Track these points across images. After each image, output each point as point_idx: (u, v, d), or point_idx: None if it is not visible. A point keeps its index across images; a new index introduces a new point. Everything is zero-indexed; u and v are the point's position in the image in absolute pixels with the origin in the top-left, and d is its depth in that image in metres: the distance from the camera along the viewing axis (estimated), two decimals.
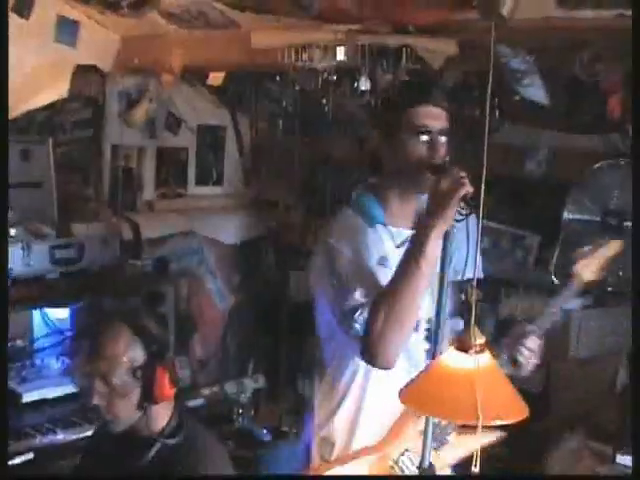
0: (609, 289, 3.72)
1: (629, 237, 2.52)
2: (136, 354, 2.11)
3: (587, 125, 3.67)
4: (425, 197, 2.20)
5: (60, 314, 3.68)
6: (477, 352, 1.74)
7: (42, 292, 3.56)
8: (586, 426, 3.64)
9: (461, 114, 3.66)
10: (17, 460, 2.94)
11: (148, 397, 2.11)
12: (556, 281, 3.80)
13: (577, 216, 3.67)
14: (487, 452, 3.01)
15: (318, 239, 2.48)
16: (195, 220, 4.54)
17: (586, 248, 2.77)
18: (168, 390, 2.13)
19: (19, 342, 3.54)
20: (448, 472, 2.53)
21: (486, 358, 1.77)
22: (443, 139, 2.30)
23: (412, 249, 2.17)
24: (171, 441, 2.15)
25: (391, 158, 2.37)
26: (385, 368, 2.26)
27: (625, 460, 3.29)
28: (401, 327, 2.18)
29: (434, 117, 2.30)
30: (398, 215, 2.39)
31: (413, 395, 1.85)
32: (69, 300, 3.64)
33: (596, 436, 3.55)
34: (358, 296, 2.25)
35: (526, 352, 2.46)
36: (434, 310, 2.23)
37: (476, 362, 1.72)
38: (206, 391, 3.88)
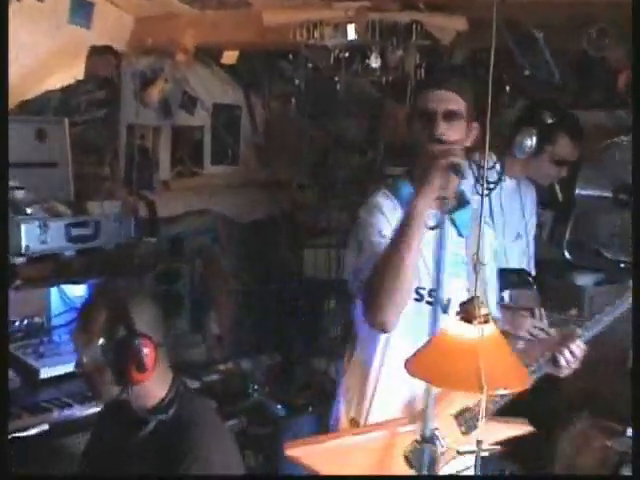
0: (622, 265, 3.72)
1: None
2: (109, 335, 2.14)
3: (596, 101, 3.67)
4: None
5: (77, 291, 3.72)
6: (481, 322, 1.77)
7: (59, 269, 3.61)
8: (596, 404, 3.65)
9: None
10: (32, 431, 2.99)
11: (122, 377, 2.14)
12: (568, 256, 3.82)
13: (589, 192, 3.67)
14: None
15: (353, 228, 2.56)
16: (210, 199, 4.57)
17: None
18: (134, 374, 2.13)
19: (36, 319, 3.58)
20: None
21: (490, 328, 1.79)
22: (451, 120, 2.38)
23: (403, 218, 2.27)
24: (165, 416, 2.19)
25: (410, 142, 2.49)
26: (382, 330, 2.36)
27: None
28: (394, 291, 2.25)
29: (440, 100, 2.39)
30: None
31: (418, 365, 1.88)
32: (85, 277, 3.69)
33: (606, 414, 3.56)
34: (367, 260, 2.35)
35: (569, 356, 2.50)
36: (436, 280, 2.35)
37: (480, 332, 1.75)
38: (221, 367, 3.94)
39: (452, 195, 2.39)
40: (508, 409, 3.30)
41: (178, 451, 2.12)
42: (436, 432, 2.38)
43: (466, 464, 2.52)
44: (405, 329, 2.37)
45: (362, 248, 2.41)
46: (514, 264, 3.42)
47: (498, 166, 3.23)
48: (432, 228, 2.35)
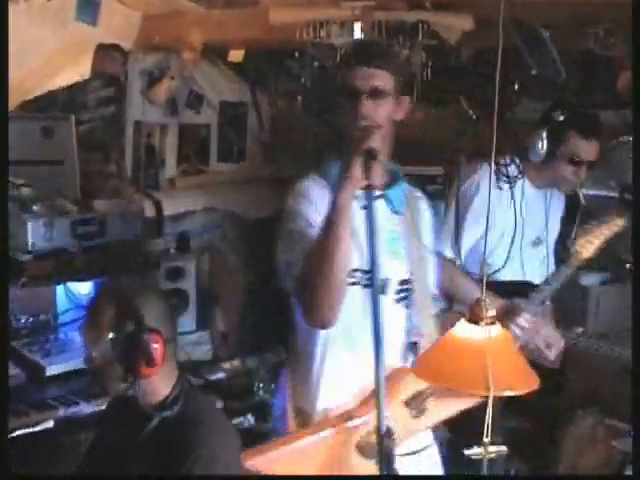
0: (627, 265, 3.72)
1: None
2: (118, 330, 2.15)
3: (602, 100, 3.66)
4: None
5: (83, 288, 3.73)
6: (488, 324, 1.78)
7: (64, 267, 3.62)
8: (601, 403, 3.65)
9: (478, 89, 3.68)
10: (37, 428, 3.00)
11: (131, 372, 2.16)
12: None
13: (595, 192, 3.66)
14: (503, 427, 3.08)
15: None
16: (217, 196, 4.58)
17: (589, 225, 2.78)
18: (146, 368, 2.15)
19: (42, 316, 3.59)
20: (429, 434, 2.58)
21: (497, 330, 1.80)
22: (377, 99, 2.32)
23: (328, 210, 2.18)
24: (170, 413, 2.20)
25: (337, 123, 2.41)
26: (322, 328, 2.30)
27: None
28: (328, 287, 2.16)
29: (365, 78, 2.32)
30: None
31: (426, 367, 1.89)
32: (91, 275, 3.70)
33: (611, 412, 3.56)
34: (299, 254, 2.26)
35: (517, 330, 2.50)
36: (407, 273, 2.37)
37: (487, 333, 1.76)
38: (227, 364, 3.95)
39: (378, 181, 2.27)
40: (512, 409, 3.34)
41: (182, 448, 2.13)
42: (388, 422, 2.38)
43: (423, 444, 2.53)
44: (342, 314, 2.28)
45: (293, 239, 2.30)
46: (530, 271, 3.43)
47: (513, 166, 3.27)
48: (364, 207, 2.19)
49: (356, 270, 2.33)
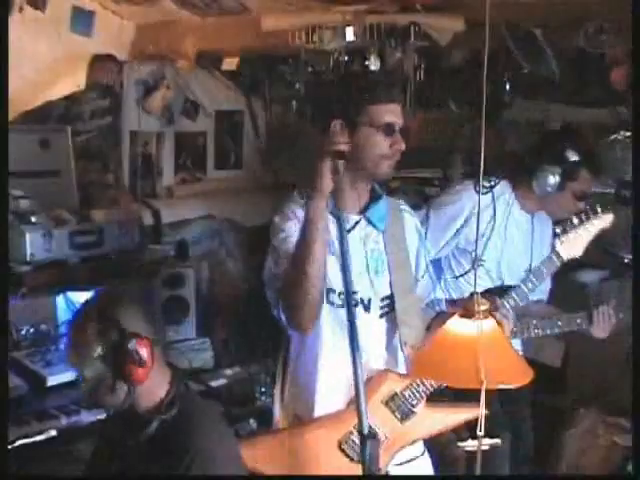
0: (626, 261, 3.73)
1: None
2: (104, 343, 2.16)
3: (595, 98, 3.67)
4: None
5: (83, 298, 3.73)
6: (480, 318, 1.79)
7: (64, 277, 3.64)
8: (602, 401, 3.66)
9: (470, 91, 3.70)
10: (39, 438, 3.02)
11: (124, 381, 2.18)
12: None
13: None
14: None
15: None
16: (215, 203, 4.59)
17: (569, 223, 2.75)
18: (138, 373, 2.17)
19: (43, 327, 3.59)
20: (419, 447, 2.60)
21: (490, 324, 1.81)
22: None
23: (303, 221, 2.25)
24: (168, 416, 2.21)
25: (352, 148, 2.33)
26: (300, 331, 2.38)
27: None
28: (302, 289, 2.21)
29: (395, 114, 2.39)
30: (348, 200, 2.42)
31: (418, 362, 1.90)
32: (91, 284, 3.70)
33: (612, 410, 3.57)
34: (280, 267, 2.34)
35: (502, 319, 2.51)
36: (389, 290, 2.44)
37: (479, 328, 1.77)
38: (228, 371, 3.95)
39: (358, 203, 2.43)
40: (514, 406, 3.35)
41: (180, 450, 2.14)
42: (370, 423, 2.39)
43: (413, 454, 2.57)
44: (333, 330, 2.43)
45: (279, 255, 2.37)
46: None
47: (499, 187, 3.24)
48: (348, 231, 2.34)
49: (332, 290, 2.42)
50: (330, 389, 2.48)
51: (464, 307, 1.82)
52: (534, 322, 3.08)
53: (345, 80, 2.81)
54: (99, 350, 2.17)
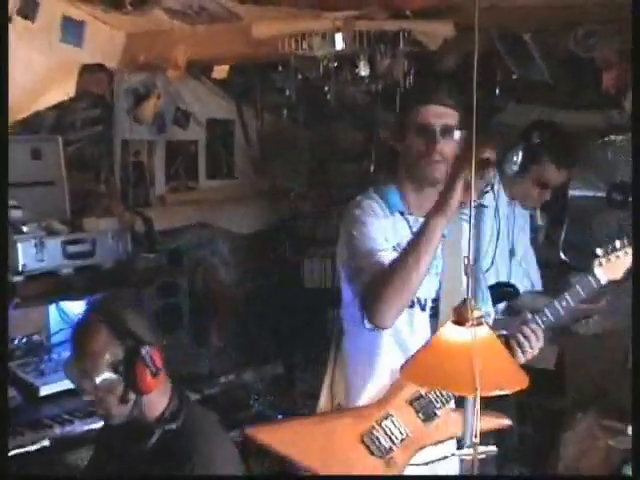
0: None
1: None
2: (115, 350, 2.13)
3: (586, 102, 3.68)
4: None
5: (76, 308, 3.73)
6: (474, 325, 1.78)
7: (57, 287, 3.63)
8: (599, 404, 3.65)
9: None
10: (33, 447, 3.01)
11: (134, 390, 2.14)
12: (564, 257, 3.82)
13: (583, 192, 3.68)
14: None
15: (342, 220, 2.62)
16: (208, 212, 4.60)
17: (611, 246, 2.64)
18: (150, 381, 2.14)
19: (36, 337, 3.60)
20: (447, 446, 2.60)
21: (484, 330, 1.80)
22: (448, 135, 2.45)
23: (418, 231, 2.33)
24: (171, 426, 2.19)
25: (403, 153, 2.56)
26: (382, 329, 2.44)
27: None
28: (399, 300, 2.32)
29: (438, 116, 2.46)
30: (416, 205, 2.56)
31: (413, 369, 1.89)
32: (84, 294, 3.69)
33: (609, 413, 3.56)
34: (367, 262, 2.42)
35: (521, 338, 2.51)
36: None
37: (473, 334, 1.76)
38: (223, 379, 3.95)
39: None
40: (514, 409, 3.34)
41: (182, 461, 2.13)
42: (392, 419, 2.52)
43: (437, 454, 2.58)
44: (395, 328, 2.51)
45: (355, 245, 2.46)
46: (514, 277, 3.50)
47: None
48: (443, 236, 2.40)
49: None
50: (378, 384, 2.58)
51: (457, 313, 1.80)
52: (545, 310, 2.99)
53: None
54: (111, 357, 2.12)
